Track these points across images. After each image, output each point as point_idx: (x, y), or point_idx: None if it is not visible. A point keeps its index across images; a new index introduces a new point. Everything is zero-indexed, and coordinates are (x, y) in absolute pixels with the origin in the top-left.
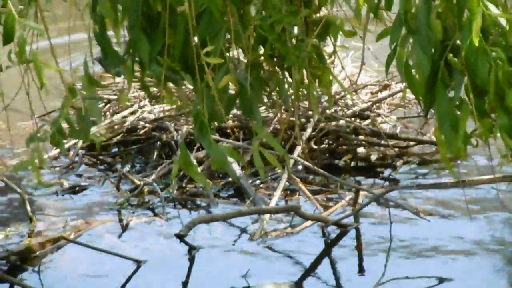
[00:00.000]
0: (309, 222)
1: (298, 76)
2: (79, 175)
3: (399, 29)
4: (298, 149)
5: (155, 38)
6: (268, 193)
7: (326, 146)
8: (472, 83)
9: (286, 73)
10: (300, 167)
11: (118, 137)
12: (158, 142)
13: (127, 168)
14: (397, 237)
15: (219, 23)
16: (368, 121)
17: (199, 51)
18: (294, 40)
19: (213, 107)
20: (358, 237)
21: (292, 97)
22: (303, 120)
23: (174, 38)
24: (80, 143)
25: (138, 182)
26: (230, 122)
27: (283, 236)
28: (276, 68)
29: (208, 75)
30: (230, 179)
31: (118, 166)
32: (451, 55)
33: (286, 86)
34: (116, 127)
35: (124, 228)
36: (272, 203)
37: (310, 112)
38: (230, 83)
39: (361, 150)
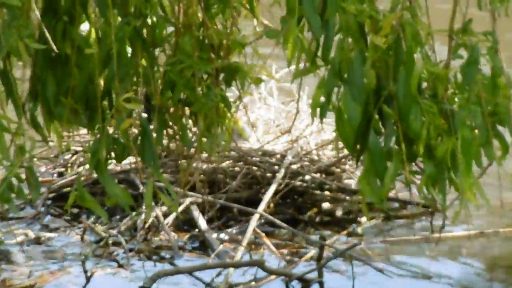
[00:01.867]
0: (273, 276)
1: (204, 123)
2: (45, 226)
3: (333, 78)
4: (264, 204)
5: (61, 79)
6: (233, 247)
7: (292, 200)
8: (404, 133)
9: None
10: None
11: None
12: None
13: (92, 219)
14: None
15: (129, 66)
16: (334, 176)
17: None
18: (202, 87)
19: (112, 147)
20: None
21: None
22: (269, 174)
23: (78, 79)
24: (45, 193)
25: (103, 234)
26: (195, 176)
27: None
28: (182, 113)
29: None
30: (195, 232)
31: (84, 217)
32: (384, 105)
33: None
34: (82, 178)
35: (88, 279)
36: (237, 257)
37: (276, 167)
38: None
39: (326, 205)
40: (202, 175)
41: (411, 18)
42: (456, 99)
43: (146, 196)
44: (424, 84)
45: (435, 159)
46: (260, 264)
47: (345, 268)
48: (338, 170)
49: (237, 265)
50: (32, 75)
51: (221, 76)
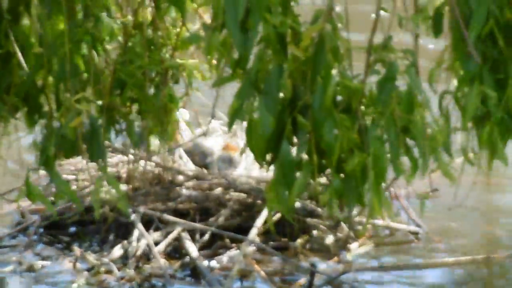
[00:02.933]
0: None
1: (152, 121)
2: (37, 254)
3: (247, 88)
4: (254, 231)
5: (2, 76)
6: (224, 274)
7: (282, 227)
8: (316, 145)
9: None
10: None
11: (76, 216)
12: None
13: (84, 247)
14: None
15: (79, 65)
16: None
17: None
18: (152, 85)
19: (61, 144)
20: None
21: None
22: (259, 201)
23: (21, 77)
24: (38, 222)
25: (94, 262)
26: (187, 204)
27: None
28: (130, 110)
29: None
30: (186, 259)
31: (75, 245)
32: (299, 115)
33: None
34: (74, 206)
35: None
36: (228, 284)
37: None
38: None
39: (316, 232)
40: (193, 202)
41: (331, 32)
42: (370, 114)
43: (94, 192)
44: (340, 98)
45: (344, 173)
46: None
47: None
48: None
49: None
50: None
51: (169, 73)
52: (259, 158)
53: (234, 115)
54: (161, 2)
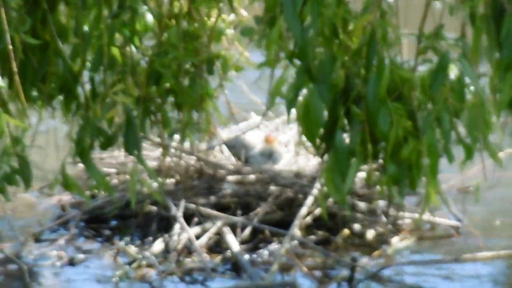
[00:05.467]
0: None
1: (188, 113)
2: (78, 248)
3: (302, 76)
4: (296, 225)
5: (39, 65)
6: (265, 268)
7: (323, 222)
8: (371, 133)
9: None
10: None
11: (117, 210)
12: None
13: (125, 241)
14: None
15: (114, 56)
16: (364, 198)
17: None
18: (187, 77)
19: (97, 135)
20: None
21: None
22: (300, 196)
23: (58, 66)
24: (79, 215)
25: (136, 256)
26: (228, 198)
27: None
28: (165, 102)
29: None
30: (227, 253)
31: (116, 239)
32: (353, 105)
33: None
34: (115, 200)
35: None
36: (269, 278)
37: (307, 188)
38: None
39: (357, 226)
40: (234, 197)
41: (381, 20)
42: (422, 102)
43: (131, 183)
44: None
45: (398, 160)
46: (292, 285)
47: None
48: (369, 191)
49: (269, 287)
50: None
51: (204, 65)
52: (313, 145)
53: (290, 103)
54: None
